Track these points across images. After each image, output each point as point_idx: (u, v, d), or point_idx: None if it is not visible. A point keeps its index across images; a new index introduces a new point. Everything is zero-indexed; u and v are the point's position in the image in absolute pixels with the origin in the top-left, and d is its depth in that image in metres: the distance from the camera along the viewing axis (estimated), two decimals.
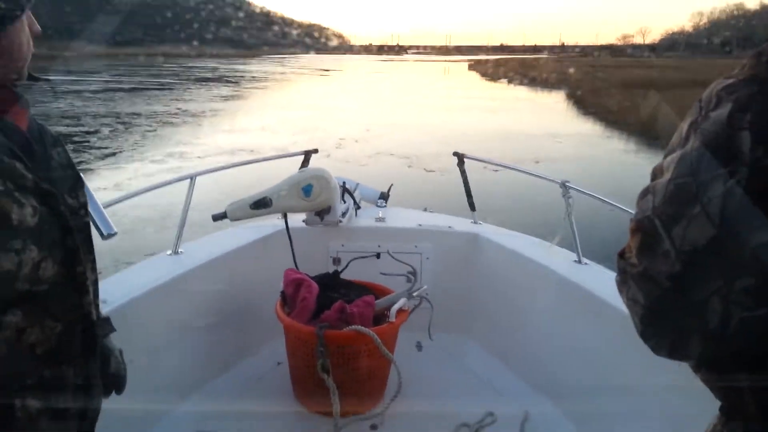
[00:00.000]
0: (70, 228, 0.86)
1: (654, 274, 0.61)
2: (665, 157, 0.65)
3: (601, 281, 2.10)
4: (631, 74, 31.87)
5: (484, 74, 50.31)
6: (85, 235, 0.94)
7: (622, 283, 0.68)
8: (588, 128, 17.66)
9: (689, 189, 0.59)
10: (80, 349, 0.90)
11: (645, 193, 0.65)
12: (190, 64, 55.82)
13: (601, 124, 17.76)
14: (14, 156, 0.80)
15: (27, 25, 0.88)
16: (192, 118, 17.79)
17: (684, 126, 0.63)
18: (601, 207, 2.29)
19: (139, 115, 17.93)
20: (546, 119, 19.79)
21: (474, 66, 63.44)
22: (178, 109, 19.75)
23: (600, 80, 29.14)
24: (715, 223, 0.56)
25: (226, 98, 24.89)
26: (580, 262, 2.31)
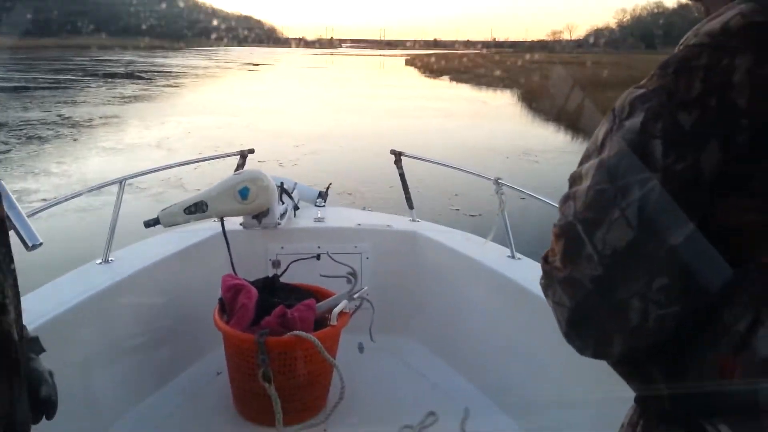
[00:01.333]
0: None
1: (578, 277, 0.65)
2: (581, 163, 0.69)
3: (534, 276, 2.21)
4: (579, 72, 30.25)
5: (423, 70, 49.04)
6: (4, 248, 0.89)
7: (547, 287, 0.71)
8: (561, 142, 14.58)
9: (608, 195, 0.62)
10: (1, 374, 0.85)
11: (566, 199, 0.69)
12: (104, 57, 50.74)
13: (574, 135, 14.60)
14: None
15: None
16: (70, 130, 14.31)
17: (599, 134, 0.67)
18: (532, 203, 2.41)
19: (2, 125, 14.37)
20: (507, 127, 17.60)
21: (411, 61, 63.29)
22: (59, 116, 16.31)
23: (545, 78, 28.42)
24: (633, 227, 0.60)
25: (127, 99, 21.78)
26: (513, 257, 2.42)
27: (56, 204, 2.35)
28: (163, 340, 2.32)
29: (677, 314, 0.61)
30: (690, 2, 0.76)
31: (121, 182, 2.34)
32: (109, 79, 30.66)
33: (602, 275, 0.62)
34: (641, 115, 0.63)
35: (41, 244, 1.09)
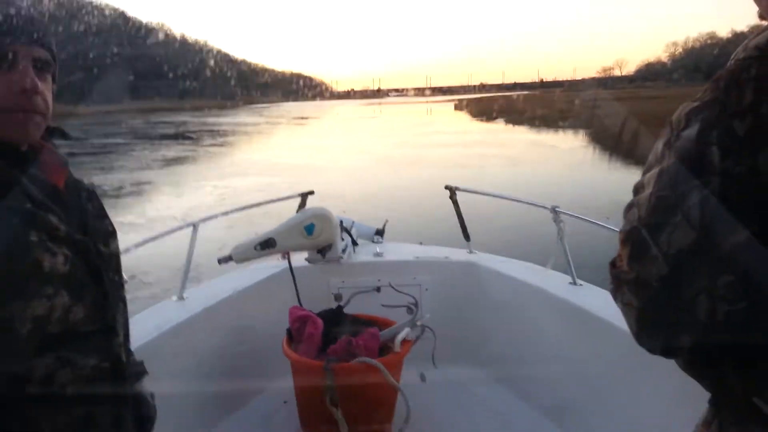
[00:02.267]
0: (100, 274, 0.94)
1: (645, 277, 0.68)
2: (644, 174, 0.73)
3: (599, 301, 2.24)
4: (641, 107, 25.13)
5: (474, 115, 47.92)
6: (116, 280, 1.01)
7: (616, 290, 0.74)
8: None
9: (669, 200, 0.66)
10: (111, 391, 0.96)
11: (630, 206, 0.73)
12: (158, 120, 51.39)
13: None
14: (48, 209, 0.88)
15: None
16: None
17: (659, 146, 0.72)
18: (592, 229, 2.46)
19: None
20: (587, 173, 16.00)
21: (460, 106, 63.20)
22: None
23: (612, 116, 24.79)
24: (695, 228, 0.63)
25: (168, 162, 21.21)
26: (575, 283, 2.46)
27: (136, 247, 2.57)
28: (233, 370, 2.46)
29: (745, 311, 0.62)
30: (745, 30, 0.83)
31: (194, 225, 2.56)
32: (156, 141, 30.66)
33: (668, 274, 0.66)
34: (697, 125, 0.67)
35: (126, 281, 1.26)
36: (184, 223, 2.60)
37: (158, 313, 2.35)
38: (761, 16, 0.79)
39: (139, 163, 20.96)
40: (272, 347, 2.32)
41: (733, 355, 0.67)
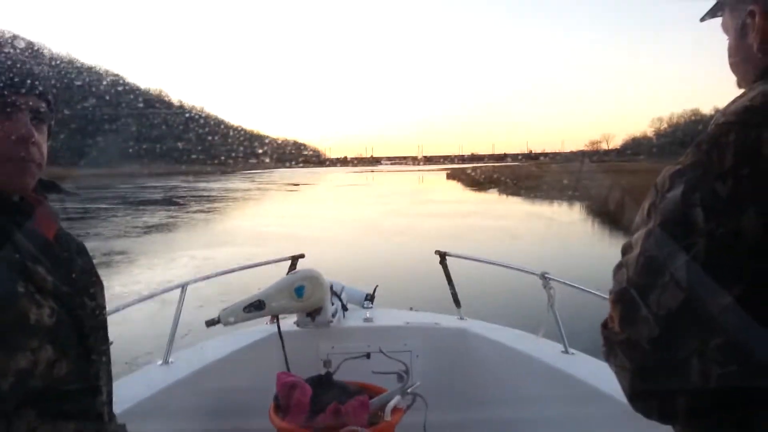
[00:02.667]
0: (85, 329, 0.94)
1: (637, 338, 0.69)
2: (632, 234, 0.75)
3: (591, 369, 2.23)
4: (635, 180, 24.91)
5: (467, 184, 47.55)
6: (101, 336, 1.02)
7: (609, 353, 0.75)
8: None
9: (657, 261, 0.68)
10: None
11: (619, 267, 0.74)
12: (148, 184, 50.18)
13: None
14: (37, 261, 0.88)
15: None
16: None
17: (645, 207, 0.74)
18: (582, 297, 2.48)
19: None
20: (590, 247, 15.23)
21: (453, 175, 63.99)
22: None
23: (607, 188, 24.41)
24: (683, 289, 0.65)
25: (148, 229, 20.61)
26: (567, 352, 2.46)
27: (124, 308, 2.55)
28: None
29: (738, 373, 0.63)
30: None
31: (183, 287, 2.56)
32: (141, 207, 29.88)
33: (659, 335, 0.66)
34: (681, 187, 0.69)
35: (112, 343, 1.26)
36: (173, 285, 2.59)
37: (143, 377, 2.32)
38: (738, 84, 0.84)
39: (117, 231, 20.24)
40: (259, 414, 2.27)
41: (731, 418, 0.67)
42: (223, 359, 2.53)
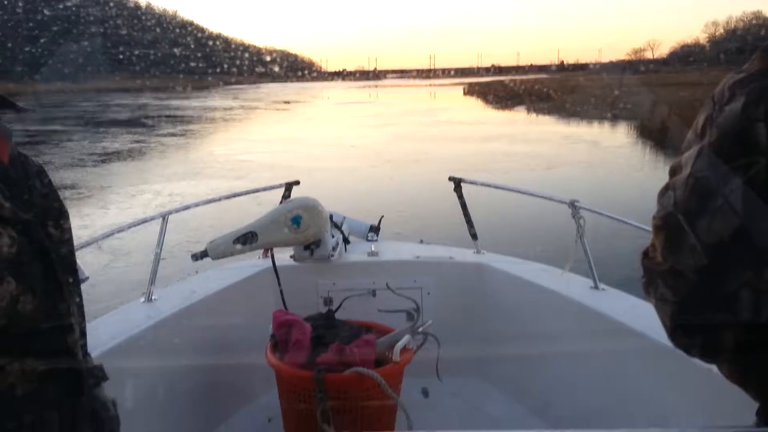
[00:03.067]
0: (52, 260, 0.94)
1: (681, 269, 0.70)
2: (682, 153, 0.75)
3: (623, 307, 2.29)
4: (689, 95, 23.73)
5: (488, 101, 45.09)
6: (70, 269, 1.04)
7: (648, 284, 0.76)
8: None
9: (710, 182, 0.68)
10: (65, 393, 0.96)
11: (665, 189, 0.74)
12: (114, 102, 48.39)
13: None
14: None
15: None
16: None
17: (699, 121, 0.73)
18: (617, 228, 2.51)
19: None
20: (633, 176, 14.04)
21: (471, 90, 61.83)
22: None
23: (650, 104, 24.23)
24: (738, 214, 0.64)
25: (105, 158, 19.77)
26: (597, 288, 2.52)
27: (99, 239, 2.61)
28: (209, 384, 2.51)
29: None
30: None
31: (164, 216, 2.60)
32: (102, 129, 28.74)
33: (707, 265, 0.67)
34: (742, 98, 0.68)
35: (87, 278, 1.30)
36: (153, 215, 2.64)
37: (123, 316, 2.40)
38: None
39: (69, 159, 19.41)
40: (254, 356, 2.35)
41: None
42: (212, 296, 2.60)
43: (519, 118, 32.99)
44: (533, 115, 33.10)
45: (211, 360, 2.53)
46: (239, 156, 19.59)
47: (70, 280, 1.01)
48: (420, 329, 2.37)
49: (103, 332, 2.17)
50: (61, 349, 0.94)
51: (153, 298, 2.53)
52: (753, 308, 0.65)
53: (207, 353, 2.53)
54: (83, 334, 1.06)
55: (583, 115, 29.30)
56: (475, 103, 47.03)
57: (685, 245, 0.69)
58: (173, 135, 26.55)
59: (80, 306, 1.04)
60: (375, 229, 3.30)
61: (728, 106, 0.70)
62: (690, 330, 0.72)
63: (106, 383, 1.21)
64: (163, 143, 23.70)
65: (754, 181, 0.65)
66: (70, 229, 1.07)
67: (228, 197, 3.17)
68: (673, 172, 0.76)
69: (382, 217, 3.41)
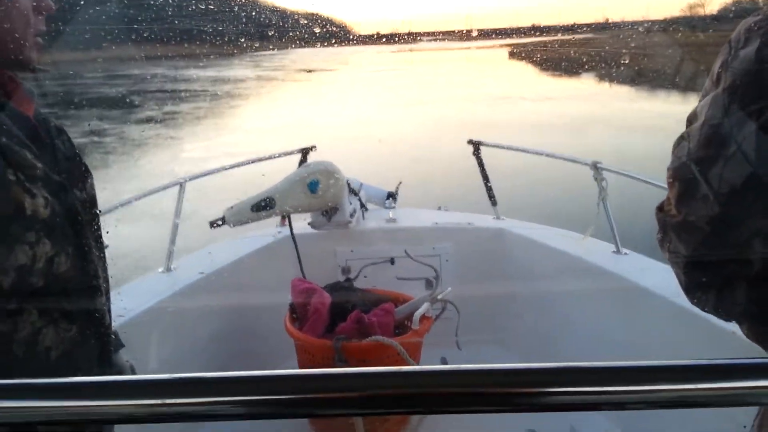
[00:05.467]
0: (81, 223, 0.98)
1: (694, 220, 0.71)
2: (700, 101, 0.75)
3: (645, 272, 2.35)
4: None
5: (541, 65, 38.66)
6: (96, 232, 1.08)
7: (663, 238, 0.79)
8: None
9: (723, 129, 0.68)
10: (93, 357, 1.02)
11: (680, 140, 0.76)
12: (128, 71, 48.24)
13: None
14: (23, 145, 0.90)
15: None
16: None
17: (715, 67, 0.74)
18: (642, 190, 2.53)
19: None
20: None
21: (517, 53, 55.92)
22: None
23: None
24: (751, 161, 0.65)
25: None
26: (619, 252, 2.58)
27: (115, 209, 2.67)
28: (228, 351, 2.62)
29: None
30: None
31: (181, 184, 2.71)
32: (73, 111, 19.84)
33: (719, 215, 0.68)
34: (756, 41, 0.68)
35: (107, 246, 1.39)
36: (169, 182, 2.74)
37: (143, 286, 2.51)
38: None
39: None
40: (272, 325, 2.45)
41: None
42: (231, 265, 2.72)
43: (599, 92, 25.98)
44: (614, 87, 25.90)
45: (230, 329, 2.65)
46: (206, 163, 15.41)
47: (98, 243, 1.07)
48: (439, 296, 2.43)
49: (123, 302, 2.26)
50: (91, 311, 1.01)
51: (172, 267, 2.65)
52: (765, 260, 0.67)
53: (226, 323, 2.65)
54: (108, 297, 1.12)
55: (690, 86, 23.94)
56: (527, 70, 38.88)
57: (698, 195, 0.71)
58: (148, 122, 22.41)
59: (105, 268, 1.10)
60: (393, 196, 3.37)
61: (743, 50, 0.70)
62: (704, 285, 0.75)
63: (123, 351, 1.31)
64: (126, 137, 19.80)
65: (767, 127, 0.66)
66: (93, 188, 1.11)
67: (244, 164, 3.24)
68: (689, 121, 0.77)
69: (400, 183, 3.49)
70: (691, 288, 0.76)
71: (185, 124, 23.55)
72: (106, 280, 1.10)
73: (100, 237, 1.11)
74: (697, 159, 0.72)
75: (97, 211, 1.12)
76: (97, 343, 1.04)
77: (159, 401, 0.48)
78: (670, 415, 2.03)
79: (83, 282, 0.99)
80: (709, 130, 0.71)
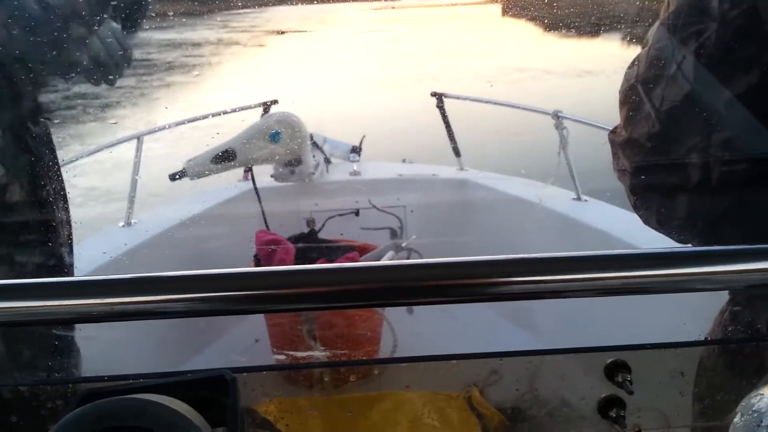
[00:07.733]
0: (35, 155, 1.03)
1: (636, 137, 0.78)
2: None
3: (606, 218, 2.48)
4: None
5: (543, 24, 35.43)
6: (54, 168, 1.11)
7: (613, 158, 0.85)
8: None
9: (666, 51, 0.75)
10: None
11: (632, 65, 0.82)
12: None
13: None
14: None
15: None
16: None
17: None
18: (602, 139, 2.65)
19: None
20: None
21: (511, 9, 55.37)
22: None
23: None
24: (689, 79, 0.72)
25: None
26: (579, 199, 2.71)
27: (70, 162, 2.64)
28: None
29: (744, 172, 0.71)
30: None
31: (138, 138, 2.78)
32: None
33: (660, 131, 0.75)
34: None
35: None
36: (126, 136, 2.81)
37: (102, 240, 2.58)
38: None
39: None
40: None
41: (736, 224, 0.73)
42: (193, 218, 2.82)
43: (622, 54, 21.91)
44: (632, 48, 25.56)
45: None
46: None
47: (55, 177, 1.10)
48: (404, 245, 2.56)
49: (82, 257, 2.37)
50: (46, 247, 1.05)
51: (132, 222, 2.73)
52: (703, 172, 0.72)
53: None
54: (70, 236, 1.15)
55: None
56: (525, 28, 39.11)
57: (642, 114, 0.77)
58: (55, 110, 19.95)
59: (65, 208, 1.13)
60: (356, 150, 3.46)
61: None
62: (646, 199, 0.82)
63: None
64: None
65: (704, 47, 0.71)
66: (48, 127, 1.13)
67: (204, 117, 3.29)
68: (642, 47, 0.83)
69: (364, 136, 3.56)
70: (637, 203, 0.84)
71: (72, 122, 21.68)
72: (68, 220, 1.15)
73: (60, 174, 1.14)
74: (643, 80, 0.79)
75: (55, 153, 1.14)
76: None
77: (116, 300, 0.54)
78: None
79: (39, 214, 1.03)
80: (655, 53, 0.78)
